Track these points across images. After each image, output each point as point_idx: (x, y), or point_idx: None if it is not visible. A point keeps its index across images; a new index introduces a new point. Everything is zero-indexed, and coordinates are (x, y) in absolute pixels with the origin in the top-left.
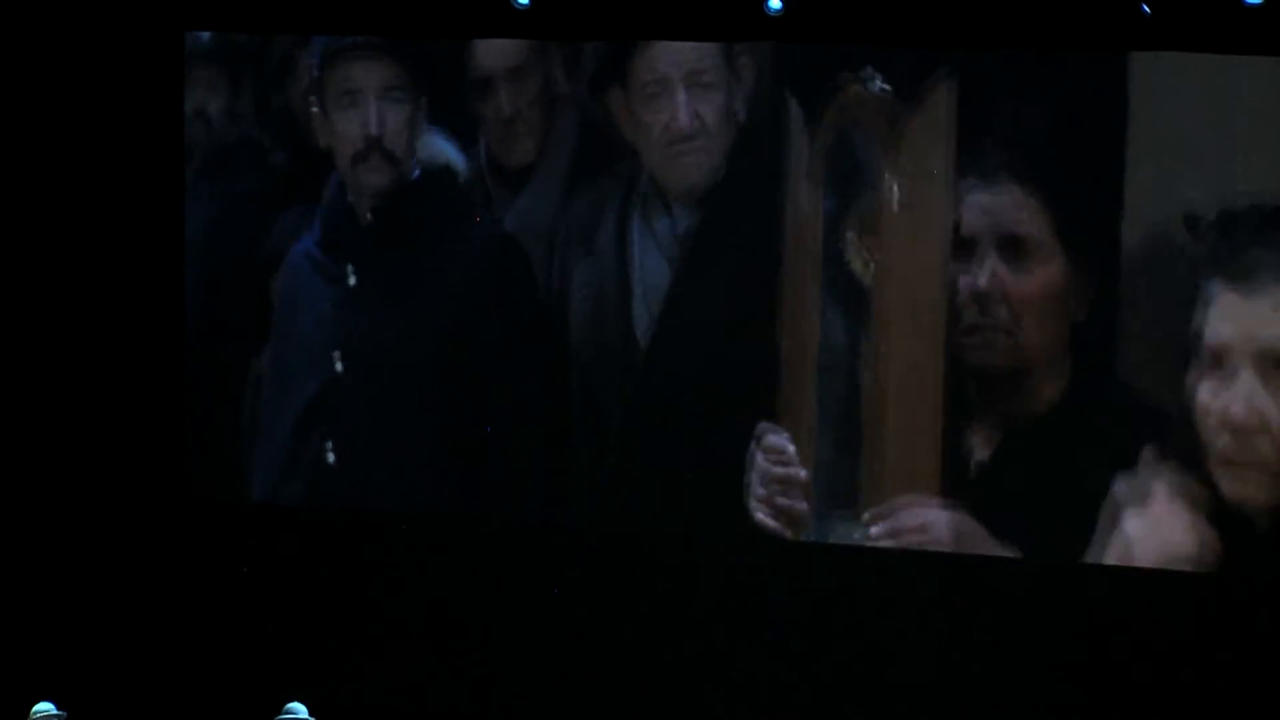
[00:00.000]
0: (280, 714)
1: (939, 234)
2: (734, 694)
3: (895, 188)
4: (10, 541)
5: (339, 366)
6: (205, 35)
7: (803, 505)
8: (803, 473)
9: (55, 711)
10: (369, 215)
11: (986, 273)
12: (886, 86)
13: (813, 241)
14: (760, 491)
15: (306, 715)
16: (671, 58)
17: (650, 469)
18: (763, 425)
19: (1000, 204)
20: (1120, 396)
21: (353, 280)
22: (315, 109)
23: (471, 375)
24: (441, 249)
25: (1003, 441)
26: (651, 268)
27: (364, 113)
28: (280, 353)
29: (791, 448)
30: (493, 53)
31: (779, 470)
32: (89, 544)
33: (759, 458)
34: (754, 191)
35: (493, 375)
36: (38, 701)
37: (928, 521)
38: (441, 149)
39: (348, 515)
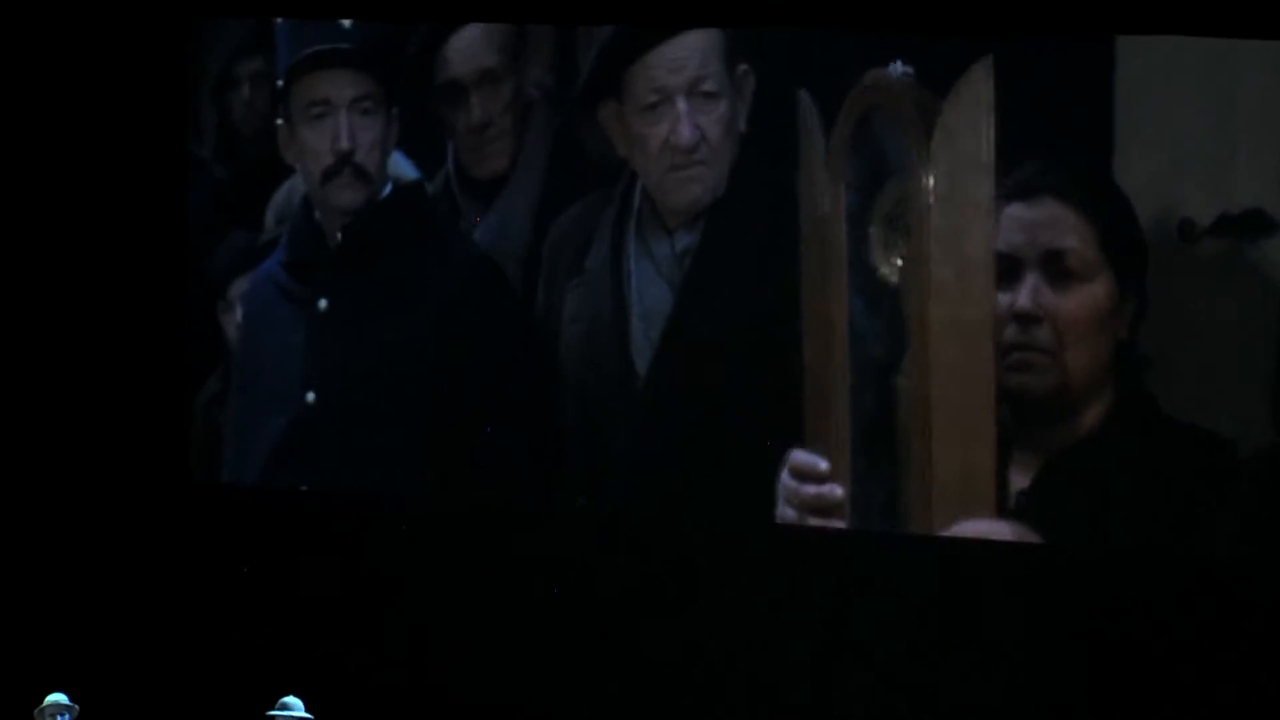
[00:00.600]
0: (275, 708)
1: (979, 227)
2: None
3: (929, 179)
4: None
5: (310, 397)
6: None
7: (839, 526)
8: (839, 490)
9: (67, 702)
10: (339, 235)
11: (1028, 290)
12: (909, 69)
13: (836, 242)
14: (788, 514)
15: (302, 710)
16: (671, 66)
17: (655, 506)
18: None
19: (1040, 217)
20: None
21: (323, 305)
22: (280, 122)
23: (454, 409)
24: (416, 270)
25: (1043, 469)
26: (650, 291)
27: (334, 126)
28: (245, 383)
29: (824, 464)
30: (463, 55)
31: (810, 491)
32: (87, 533)
33: (785, 479)
34: (762, 202)
35: (477, 409)
36: (50, 692)
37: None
38: (410, 164)
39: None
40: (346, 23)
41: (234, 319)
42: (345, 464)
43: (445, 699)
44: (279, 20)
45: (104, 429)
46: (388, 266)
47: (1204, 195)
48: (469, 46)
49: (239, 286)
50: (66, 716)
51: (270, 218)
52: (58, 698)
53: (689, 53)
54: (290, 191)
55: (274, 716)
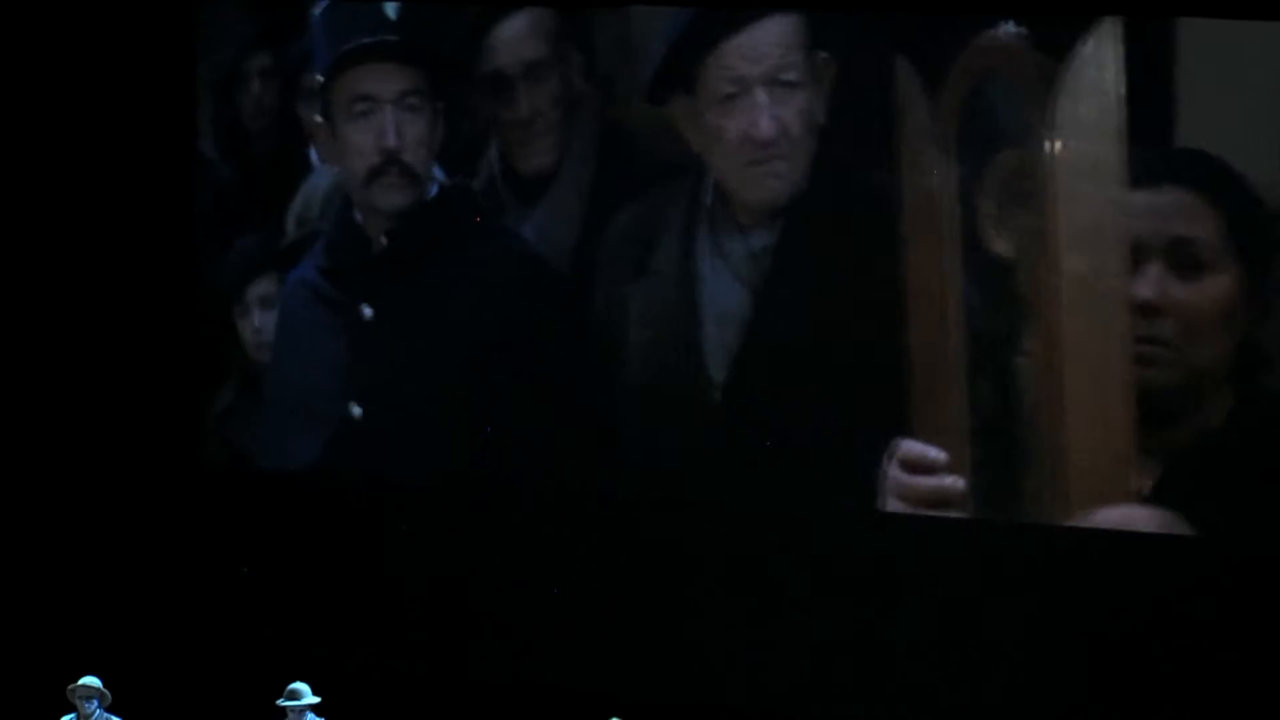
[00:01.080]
0: (284, 696)
1: (1108, 196)
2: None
3: (1051, 146)
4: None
5: (356, 411)
6: None
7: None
8: (960, 482)
9: (99, 686)
10: (383, 239)
11: (1152, 281)
12: (1021, 29)
13: (944, 217)
14: (896, 508)
15: (310, 695)
16: (750, 55)
17: (742, 518)
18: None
19: (1166, 204)
20: None
21: (367, 312)
22: (319, 119)
23: (512, 423)
24: (464, 274)
25: (1166, 469)
26: (724, 294)
27: (379, 123)
28: (279, 395)
29: (939, 454)
30: (510, 46)
31: (925, 483)
32: (96, 523)
33: (894, 473)
34: (847, 194)
35: (537, 421)
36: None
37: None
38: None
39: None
40: (391, 11)
41: (251, 323)
42: (389, 483)
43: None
44: (315, 11)
45: (111, 417)
46: (435, 270)
47: None
48: (516, 36)
49: (257, 290)
50: (95, 702)
51: (290, 220)
52: (90, 680)
53: (769, 41)
54: (309, 193)
55: (284, 706)
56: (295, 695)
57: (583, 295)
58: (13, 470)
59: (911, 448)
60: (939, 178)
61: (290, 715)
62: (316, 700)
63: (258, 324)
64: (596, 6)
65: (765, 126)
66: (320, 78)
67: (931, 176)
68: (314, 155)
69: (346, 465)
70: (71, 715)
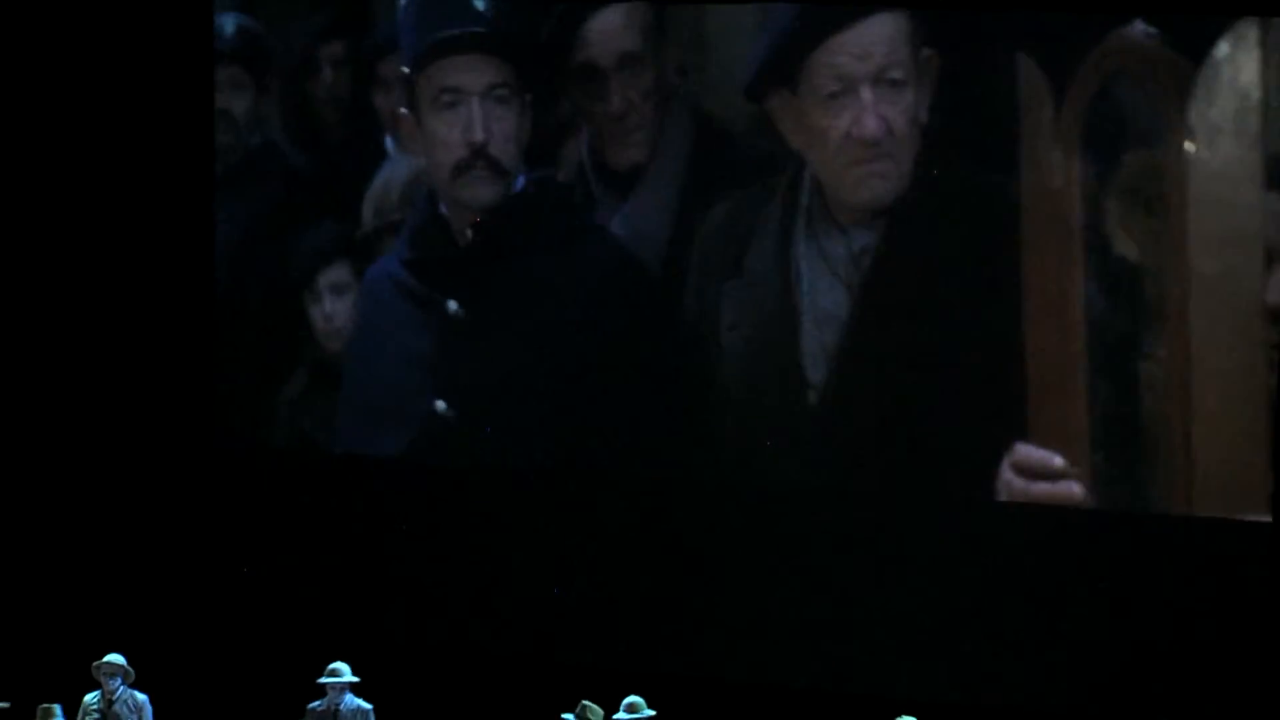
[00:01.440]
0: (324, 674)
1: (1244, 200)
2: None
3: (1184, 148)
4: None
5: (440, 406)
6: (229, 29)
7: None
8: (1076, 488)
9: (123, 664)
10: (469, 233)
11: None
12: (1153, 30)
13: (1068, 218)
14: None
15: (350, 674)
16: (857, 52)
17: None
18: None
19: None
20: None
21: (452, 307)
22: (404, 111)
23: (602, 421)
24: (552, 268)
25: None
26: (824, 294)
27: (467, 115)
28: (358, 388)
29: (1059, 460)
30: (604, 38)
31: (1042, 489)
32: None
33: (1010, 477)
34: (951, 194)
35: (628, 419)
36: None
37: None
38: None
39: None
40: (480, 4)
41: (322, 310)
42: (479, 480)
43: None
44: (403, 2)
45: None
46: (522, 265)
47: None
48: (610, 29)
49: (329, 277)
50: (119, 679)
51: (368, 210)
52: (115, 658)
53: (876, 38)
54: (388, 182)
55: (325, 683)
56: (335, 673)
57: (673, 292)
58: (67, 451)
59: (1030, 453)
60: (1062, 178)
61: (330, 691)
62: (355, 679)
63: (329, 310)
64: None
65: (871, 125)
66: (406, 68)
67: (1054, 177)
68: (389, 144)
69: (430, 459)
70: (96, 692)
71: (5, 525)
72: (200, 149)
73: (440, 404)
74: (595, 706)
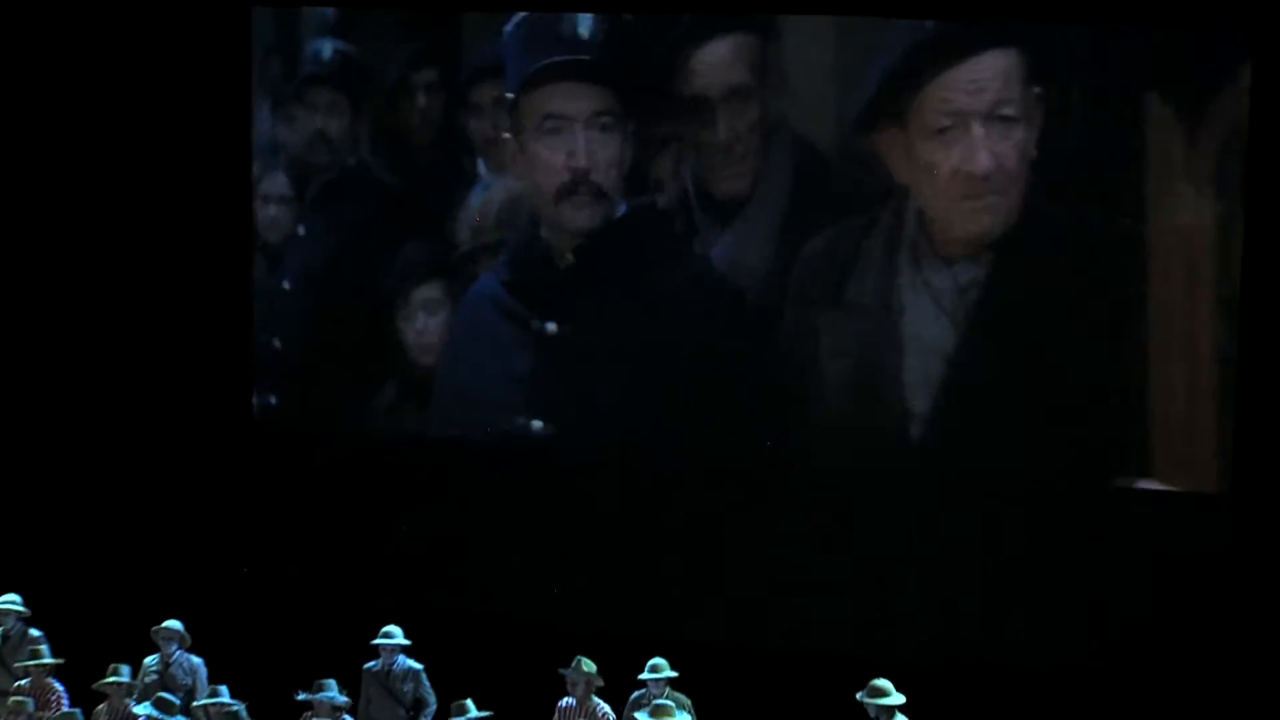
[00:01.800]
0: (378, 636)
1: None
2: None
3: None
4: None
5: (537, 425)
6: (326, 53)
7: None
8: None
9: (181, 630)
10: (570, 256)
11: None
12: None
13: (1200, 256)
14: None
15: (402, 637)
16: (969, 88)
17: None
18: None
19: None
20: None
21: (551, 328)
22: (507, 135)
23: (699, 449)
24: (651, 293)
25: None
26: (928, 327)
27: (570, 141)
28: (454, 403)
29: None
30: (712, 70)
31: None
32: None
33: None
34: (1059, 230)
35: (724, 444)
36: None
37: None
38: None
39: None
40: (585, 32)
41: (414, 325)
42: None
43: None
44: (508, 29)
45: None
46: (621, 290)
47: None
48: (718, 61)
49: (422, 294)
50: (175, 644)
51: (464, 230)
52: (172, 624)
53: (990, 74)
54: (485, 205)
55: (378, 644)
56: (389, 635)
57: (770, 320)
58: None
59: None
60: (1192, 215)
61: (383, 653)
62: (407, 642)
63: (421, 326)
64: (796, 32)
65: (983, 161)
66: (510, 93)
67: (1181, 213)
68: (481, 167)
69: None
70: (155, 655)
71: (102, 499)
72: (241, 156)
73: (537, 423)
74: (589, 661)
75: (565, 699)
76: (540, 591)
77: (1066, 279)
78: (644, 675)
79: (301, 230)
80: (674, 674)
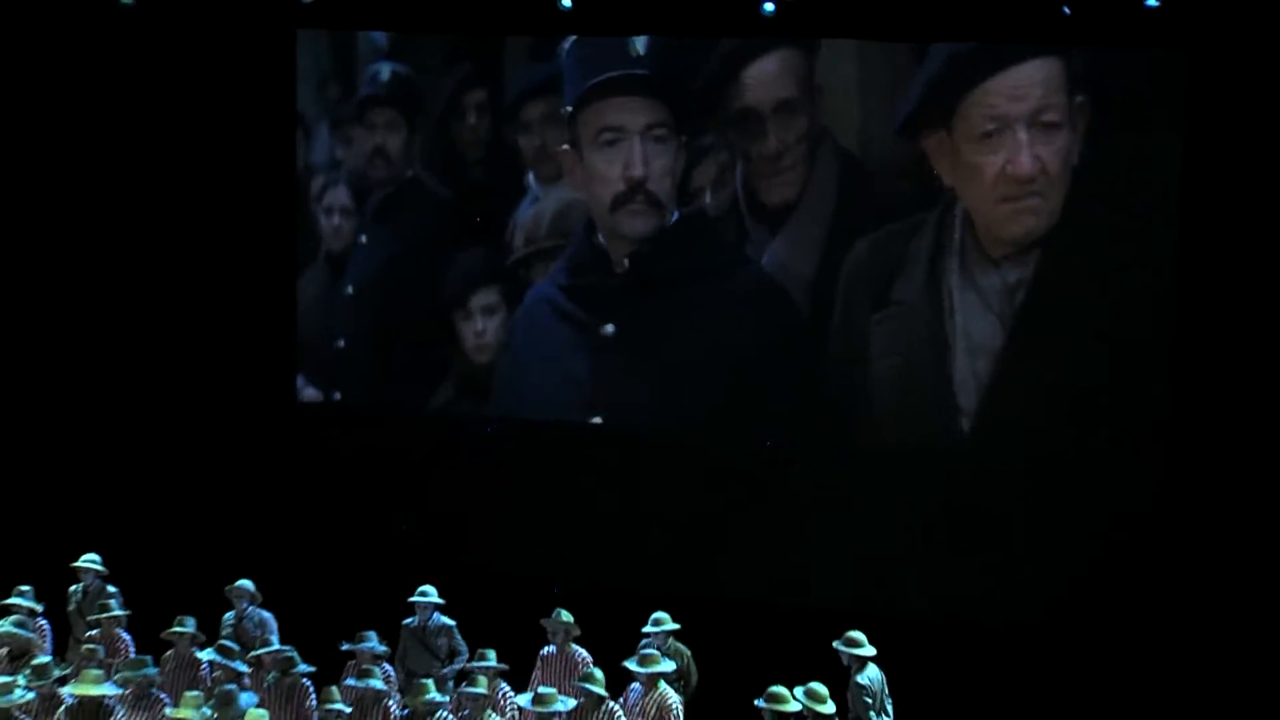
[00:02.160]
0: (414, 594)
1: None
2: None
3: None
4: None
5: (596, 421)
6: (385, 75)
7: None
8: None
9: (252, 589)
10: (625, 262)
11: None
12: None
13: None
14: None
15: (436, 595)
16: (1013, 94)
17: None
18: None
19: None
20: None
21: (609, 330)
22: (565, 147)
23: (753, 446)
24: (703, 296)
25: None
26: (975, 323)
27: (627, 152)
28: (515, 402)
29: None
30: (761, 85)
31: None
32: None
33: None
34: (1103, 231)
35: (778, 444)
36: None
37: None
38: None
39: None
40: (640, 49)
41: (473, 327)
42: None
43: None
44: (565, 46)
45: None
46: (676, 293)
47: None
48: (767, 76)
49: (480, 299)
50: (246, 601)
51: (518, 238)
52: (244, 583)
53: (1032, 82)
54: (538, 214)
55: (414, 601)
56: (424, 594)
57: (820, 321)
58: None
59: None
60: None
61: (419, 610)
62: (441, 601)
63: (480, 328)
64: (840, 47)
65: (1026, 164)
66: (568, 108)
67: None
68: (530, 179)
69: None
70: (231, 612)
71: (177, 477)
72: (286, 170)
73: (596, 419)
74: (567, 613)
75: (546, 647)
76: (579, 555)
77: (1110, 278)
78: (646, 628)
79: (363, 239)
80: (675, 626)
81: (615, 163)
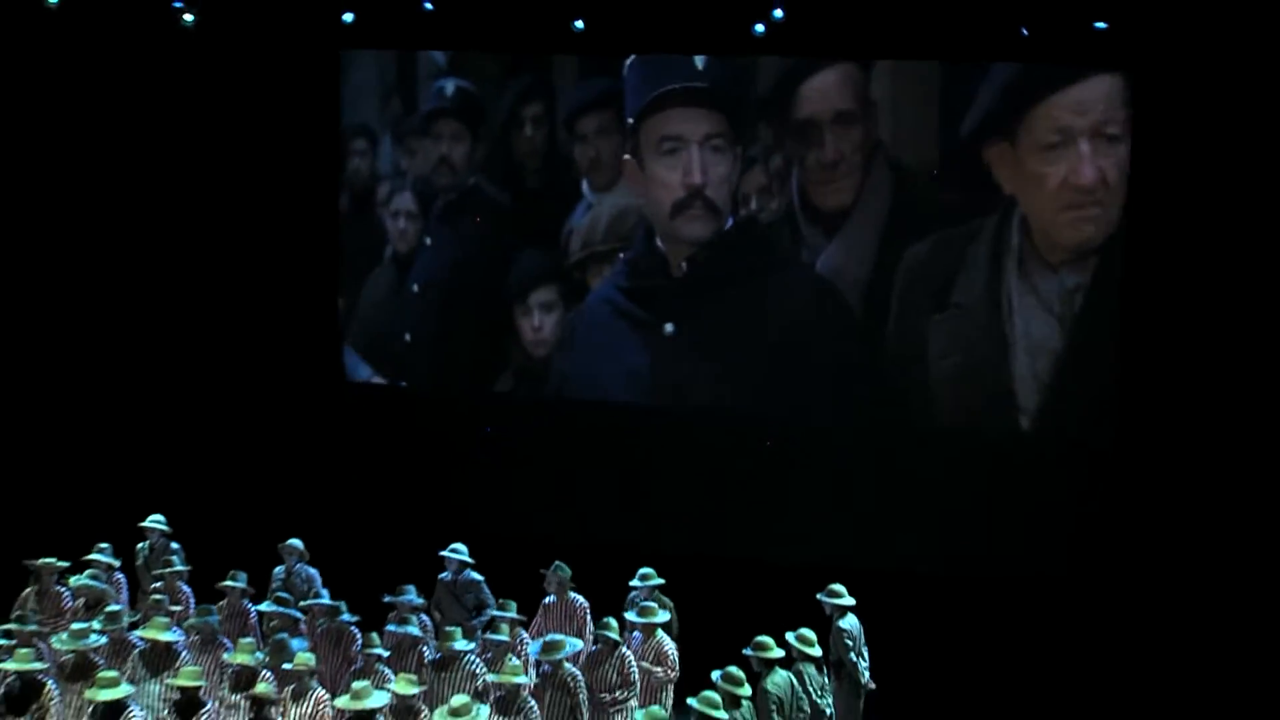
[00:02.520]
0: (446, 549)
1: None
2: None
3: None
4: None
5: (655, 403)
6: (450, 90)
7: None
8: None
9: (301, 546)
10: (683, 265)
11: None
12: None
13: None
14: None
15: (466, 554)
16: (1077, 109)
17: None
18: None
19: None
20: None
21: (669, 329)
22: (627, 157)
23: (813, 444)
24: (760, 297)
25: None
26: (1036, 325)
27: (686, 161)
28: (569, 390)
29: None
30: (821, 97)
31: None
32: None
33: None
34: (1157, 239)
35: (833, 432)
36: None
37: None
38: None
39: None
40: (700, 63)
41: (531, 322)
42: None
43: None
44: (629, 61)
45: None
46: (732, 294)
47: None
48: (825, 88)
49: (538, 296)
50: (295, 557)
51: (575, 242)
52: (293, 542)
53: (1096, 97)
54: (594, 219)
55: (445, 555)
56: (456, 551)
57: (875, 322)
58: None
59: None
60: None
61: (448, 564)
62: (471, 561)
63: (537, 323)
64: (894, 65)
65: (1088, 175)
66: (630, 120)
67: None
68: (585, 187)
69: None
70: (281, 566)
71: (239, 447)
72: (330, 179)
73: (656, 403)
74: (564, 566)
75: (548, 597)
76: (613, 516)
77: (1163, 283)
78: (633, 582)
79: (428, 241)
80: (660, 581)
81: (675, 170)
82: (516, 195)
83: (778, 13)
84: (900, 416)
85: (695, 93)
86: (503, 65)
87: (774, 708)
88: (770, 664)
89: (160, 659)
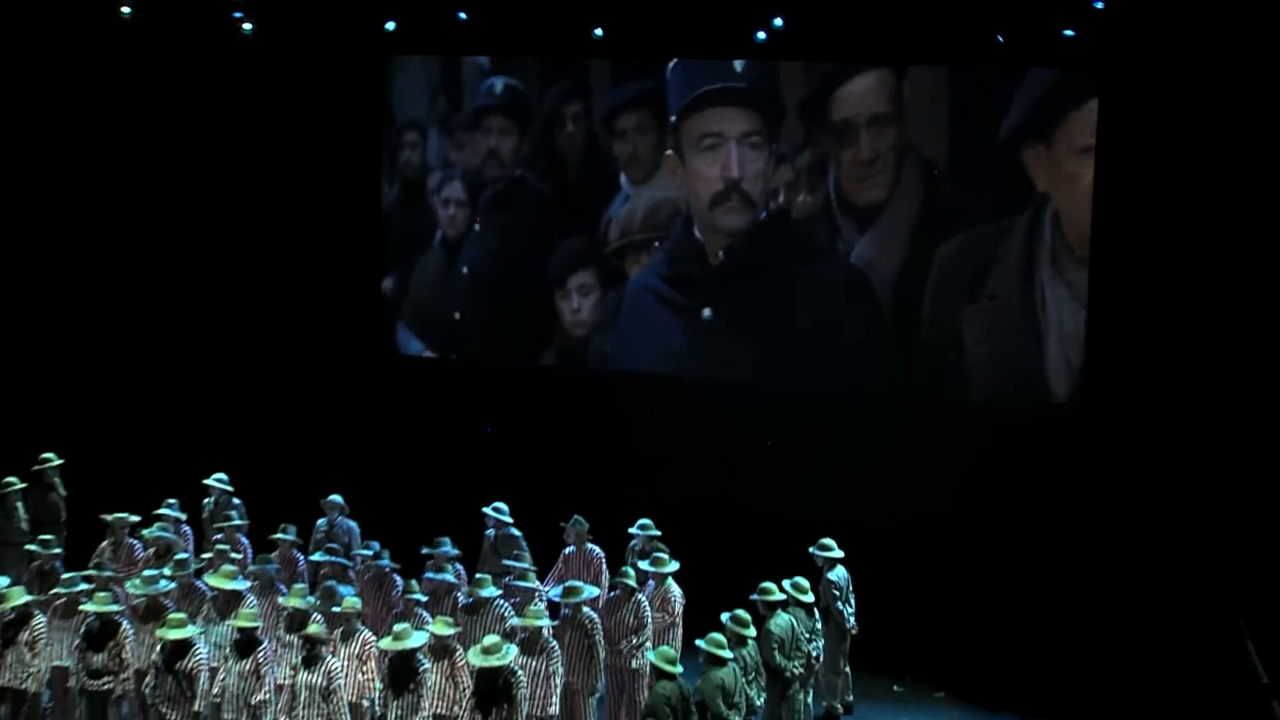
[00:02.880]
0: (489, 508)
1: None
2: None
3: None
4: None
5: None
6: (499, 88)
7: None
8: None
9: (341, 502)
10: (720, 254)
11: None
12: None
13: None
14: None
15: (508, 513)
16: None
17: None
18: None
19: None
20: None
21: (707, 314)
22: (669, 152)
23: (849, 429)
24: (793, 286)
25: None
26: (1067, 314)
27: (725, 156)
28: (607, 370)
29: None
30: (858, 99)
31: None
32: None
33: None
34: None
35: (874, 429)
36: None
37: None
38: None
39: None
40: (739, 66)
41: (570, 304)
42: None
43: None
44: (672, 64)
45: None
46: (767, 282)
47: None
48: (862, 91)
49: (577, 280)
50: (337, 512)
51: (614, 231)
52: (334, 498)
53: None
54: (632, 210)
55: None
56: (499, 510)
57: (905, 308)
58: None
59: None
60: None
61: (490, 522)
62: (510, 520)
63: (576, 305)
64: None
65: None
66: (673, 117)
67: None
68: (623, 180)
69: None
70: (324, 519)
71: (297, 415)
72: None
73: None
74: (582, 519)
75: (567, 548)
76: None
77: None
78: (632, 529)
79: (476, 227)
80: (658, 533)
81: (714, 165)
82: (558, 187)
83: (778, 21)
84: (929, 396)
85: (734, 93)
86: (542, 68)
87: (776, 646)
88: (773, 606)
89: (228, 604)
